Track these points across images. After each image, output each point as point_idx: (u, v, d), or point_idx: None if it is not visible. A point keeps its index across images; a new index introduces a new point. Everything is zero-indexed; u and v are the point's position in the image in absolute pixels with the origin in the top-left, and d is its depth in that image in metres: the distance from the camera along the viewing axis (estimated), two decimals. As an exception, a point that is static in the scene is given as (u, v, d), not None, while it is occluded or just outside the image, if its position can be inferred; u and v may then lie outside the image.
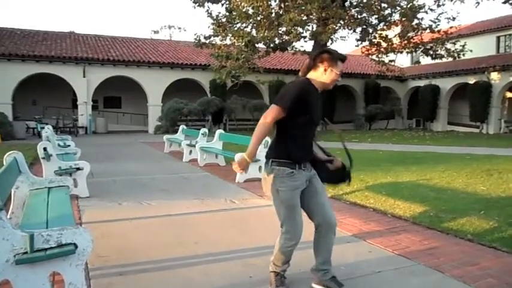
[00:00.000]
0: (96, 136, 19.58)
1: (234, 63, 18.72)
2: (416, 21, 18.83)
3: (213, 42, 19.80)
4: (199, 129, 10.76)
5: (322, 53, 2.76)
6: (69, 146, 9.28)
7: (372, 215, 4.95)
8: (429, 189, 6.41)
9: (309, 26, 18.49)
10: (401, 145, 14.56)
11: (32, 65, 19.71)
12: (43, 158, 5.86)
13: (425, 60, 22.89)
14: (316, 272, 2.91)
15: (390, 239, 3.97)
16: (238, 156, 7.18)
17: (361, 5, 18.56)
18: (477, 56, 23.63)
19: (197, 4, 19.12)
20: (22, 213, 3.55)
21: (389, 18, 19.16)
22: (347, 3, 18.73)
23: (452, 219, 4.61)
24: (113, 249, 3.64)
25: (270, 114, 2.64)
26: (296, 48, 19.69)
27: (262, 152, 7.49)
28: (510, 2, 18.41)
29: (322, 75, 2.73)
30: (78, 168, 5.88)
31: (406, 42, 19.52)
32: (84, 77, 20.75)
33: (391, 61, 21.13)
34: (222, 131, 9.86)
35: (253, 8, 17.80)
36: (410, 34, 19.20)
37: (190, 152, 9.96)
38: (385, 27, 19.64)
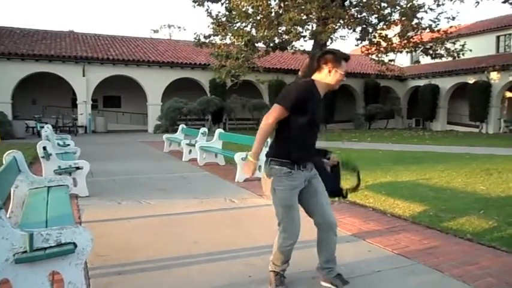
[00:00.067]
0: (96, 135, 19.58)
1: (234, 62, 18.71)
2: (416, 20, 18.82)
3: (213, 42, 19.78)
4: (199, 129, 10.75)
5: (325, 54, 2.76)
6: (68, 145, 9.27)
7: (371, 214, 4.95)
8: (428, 188, 6.42)
9: (308, 25, 18.47)
10: (400, 145, 14.56)
11: (31, 64, 19.70)
12: (42, 157, 5.86)
13: (425, 60, 22.90)
14: (321, 270, 2.94)
15: (390, 239, 3.97)
16: (237, 156, 7.22)
17: (361, 4, 18.54)
18: (477, 56, 23.64)
19: (197, 3, 19.10)
20: (21, 212, 3.55)
21: (389, 17, 19.14)
22: (347, 3, 18.72)
23: (451, 219, 4.62)
24: (112, 248, 3.64)
25: (272, 114, 2.66)
26: (296, 47, 19.67)
27: (262, 152, 7.51)
28: (510, 1, 18.40)
29: (326, 77, 2.73)
30: (77, 168, 5.88)
31: (405, 41, 19.51)
32: (83, 76, 20.74)
33: (390, 60, 21.13)
34: (222, 131, 9.85)
35: (253, 8, 17.79)
36: (410, 34, 19.19)
37: (190, 151, 9.96)
38: (384, 26, 19.63)
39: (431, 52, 20.06)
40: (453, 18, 19.00)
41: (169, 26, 53.91)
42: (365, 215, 4.91)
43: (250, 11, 18.00)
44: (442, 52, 19.91)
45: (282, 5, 18.24)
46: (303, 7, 17.00)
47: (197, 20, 42.79)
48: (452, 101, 25.50)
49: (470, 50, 20.16)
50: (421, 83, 26.24)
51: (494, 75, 22.15)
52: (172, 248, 3.69)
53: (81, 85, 20.71)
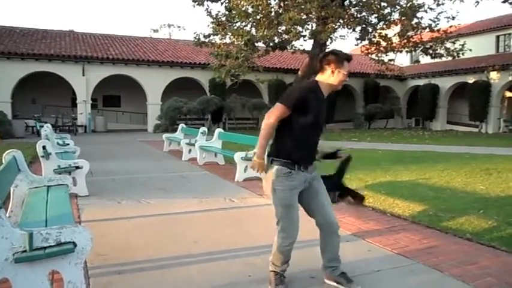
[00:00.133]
0: (96, 135, 19.57)
1: (234, 62, 18.70)
2: (415, 20, 18.79)
3: (213, 41, 19.76)
4: (199, 128, 10.75)
5: (328, 55, 2.78)
6: (68, 144, 9.27)
7: (371, 214, 4.96)
8: (428, 188, 6.42)
9: (308, 25, 18.45)
10: (400, 144, 14.57)
11: (31, 64, 19.69)
12: (42, 157, 5.86)
13: (425, 60, 22.90)
14: (325, 269, 2.96)
15: (389, 238, 3.97)
16: (237, 156, 7.21)
17: (361, 4, 18.52)
18: (476, 55, 23.63)
19: (196, 3, 19.07)
20: (21, 211, 3.55)
21: (388, 17, 19.12)
22: (346, 2, 18.70)
23: (451, 219, 4.62)
24: (112, 247, 3.63)
25: (274, 113, 2.67)
26: (295, 47, 19.65)
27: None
28: (509, 1, 18.40)
29: (329, 77, 2.74)
30: (77, 167, 5.88)
31: (405, 41, 19.49)
32: (83, 75, 20.73)
33: (390, 60, 21.12)
34: (222, 130, 9.85)
35: (252, 7, 17.77)
36: (410, 33, 19.17)
37: (190, 150, 9.96)
38: (384, 26, 19.61)
39: (431, 52, 20.05)
40: (453, 18, 19.00)
41: (169, 26, 53.94)
42: (365, 214, 4.91)
43: (250, 10, 17.98)
44: (442, 52, 19.90)
45: (282, 4, 18.22)
46: (302, 6, 16.98)
47: (197, 20, 42.85)
48: (452, 101, 25.51)
49: (470, 50, 20.16)
50: (421, 82, 26.24)
51: (494, 75, 22.15)
52: (172, 248, 3.69)
53: (80, 84, 20.70)
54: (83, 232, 2.40)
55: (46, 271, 2.37)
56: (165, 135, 12.46)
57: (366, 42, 20.17)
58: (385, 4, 18.25)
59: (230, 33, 18.72)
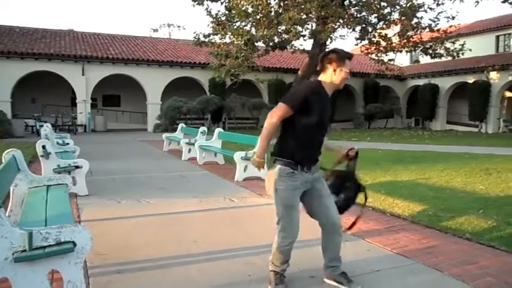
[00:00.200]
0: (95, 134, 19.57)
1: (233, 61, 18.69)
2: (415, 20, 18.79)
3: (213, 41, 19.75)
4: (198, 128, 10.75)
5: (328, 54, 2.79)
6: (68, 144, 9.27)
7: (370, 213, 4.95)
8: (428, 188, 6.42)
9: (308, 24, 18.44)
10: (400, 144, 14.57)
11: (30, 63, 19.68)
12: (42, 156, 5.86)
13: (425, 59, 22.89)
14: (326, 269, 2.96)
15: (389, 238, 3.97)
16: (237, 155, 7.21)
17: (361, 3, 18.52)
18: (476, 55, 23.64)
19: (196, 2, 19.06)
20: (21, 211, 3.55)
21: (388, 17, 19.11)
22: (346, 2, 18.69)
23: (450, 218, 4.62)
24: (111, 247, 3.63)
25: (277, 112, 2.67)
26: (295, 47, 19.64)
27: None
28: (509, 1, 18.41)
29: (332, 76, 2.75)
30: (77, 167, 5.87)
31: (405, 41, 19.49)
32: (83, 75, 20.72)
33: (390, 60, 21.12)
34: (221, 130, 9.85)
35: (252, 7, 17.76)
36: (410, 33, 19.17)
37: (190, 150, 9.96)
38: (384, 26, 19.60)
39: (430, 52, 20.05)
40: (453, 18, 19.00)
41: (168, 25, 53.99)
42: (364, 214, 4.89)
43: (249, 10, 17.97)
44: (442, 52, 19.90)
45: (282, 4, 18.21)
46: (302, 6, 16.97)
47: (197, 19, 42.78)
48: (452, 101, 25.51)
49: (470, 50, 20.16)
50: (421, 82, 26.25)
51: (493, 75, 22.16)
52: (172, 247, 3.69)
53: (80, 84, 20.70)
54: (83, 231, 2.40)
55: (46, 270, 2.37)
56: (164, 135, 12.45)
57: (366, 42, 20.17)
58: (385, 4, 18.25)
59: (230, 33, 18.71)
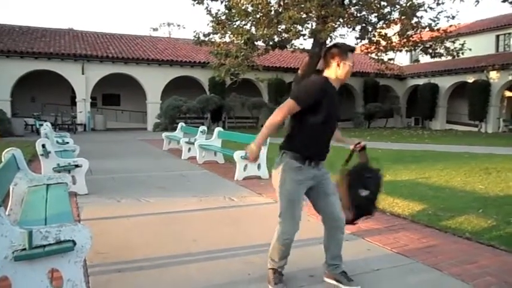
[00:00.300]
0: (95, 133, 19.56)
1: (233, 61, 18.69)
2: (415, 19, 18.79)
3: (212, 40, 19.75)
4: (198, 127, 10.75)
5: (331, 49, 2.81)
6: (67, 143, 9.27)
7: (370, 213, 4.95)
8: (428, 187, 6.42)
9: (308, 24, 18.45)
10: (400, 143, 14.57)
11: (30, 62, 19.66)
12: (42, 155, 5.85)
13: (425, 59, 22.90)
14: (327, 266, 2.96)
15: (389, 237, 3.97)
16: (237, 155, 7.22)
17: (361, 3, 18.51)
18: (476, 55, 23.64)
19: (196, 1, 19.05)
20: (20, 210, 3.54)
21: (388, 16, 19.12)
22: (346, 1, 18.69)
23: (450, 218, 4.62)
24: (111, 246, 3.63)
25: (285, 108, 2.68)
26: (295, 46, 19.64)
27: (262, 151, 7.50)
28: (509, 1, 18.41)
29: (336, 71, 2.76)
30: (76, 165, 5.87)
31: (405, 40, 19.49)
32: (82, 74, 20.71)
33: (390, 59, 21.12)
34: (221, 129, 9.85)
35: (252, 6, 17.75)
36: (410, 32, 19.17)
37: (189, 149, 9.96)
38: (384, 25, 19.61)
39: (430, 51, 20.06)
40: (453, 17, 19.00)
41: (168, 24, 54.05)
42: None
43: (249, 9, 17.97)
44: (442, 51, 19.91)
45: (282, 3, 18.20)
46: (302, 5, 16.97)
47: (197, 18, 42.75)
48: (452, 100, 25.51)
49: (470, 49, 20.17)
50: (421, 82, 26.24)
51: (493, 75, 22.16)
52: (172, 246, 3.69)
53: (80, 83, 20.69)
54: (83, 230, 2.39)
55: (45, 269, 2.37)
56: (164, 134, 12.45)
57: (366, 41, 20.17)
58: (385, 3, 18.25)
59: (230, 32, 18.71)
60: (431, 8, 18.92)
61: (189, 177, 7.44)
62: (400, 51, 20.29)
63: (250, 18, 18.28)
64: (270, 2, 17.94)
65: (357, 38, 20.01)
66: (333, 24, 17.21)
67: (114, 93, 24.81)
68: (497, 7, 74.53)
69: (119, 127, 23.30)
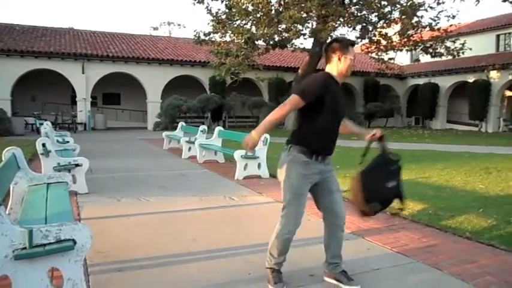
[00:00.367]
0: (95, 132, 19.56)
1: (234, 60, 18.69)
2: (416, 19, 18.78)
3: (213, 39, 19.76)
4: (199, 126, 10.75)
5: (332, 44, 2.83)
6: (68, 142, 9.27)
7: (370, 212, 4.95)
8: (428, 187, 6.42)
9: (308, 23, 18.44)
10: (400, 143, 14.53)
11: (30, 61, 19.67)
12: (42, 154, 5.85)
13: (425, 58, 22.89)
14: (327, 265, 2.96)
15: (389, 237, 3.97)
16: (237, 154, 7.21)
17: (361, 2, 18.50)
18: (477, 55, 23.63)
19: (197, 1, 19.04)
20: (21, 209, 3.54)
21: (389, 16, 19.11)
22: (347, 1, 18.68)
23: (450, 217, 4.62)
24: (111, 245, 3.63)
25: (289, 103, 2.68)
26: (296, 45, 19.64)
27: (261, 150, 7.51)
28: (510, 0, 18.39)
29: (338, 65, 2.77)
30: (77, 165, 5.87)
31: (405, 40, 19.49)
32: (83, 73, 20.72)
33: (390, 59, 21.11)
34: (221, 128, 9.85)
35: (253, 5, 17.75)
36: (410, 32, 19.17)
37: (190, 148, 9.96)
38: (384, 25, 19.60)
39: (431, 50, 20.05)
40: (453, 17, 18.98)
41: (169, 24, 53.94)
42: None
43: (250, 8, 17.96)
44: (442, 51, 19.90)
45: (282, 2, 18.20)
46: (303, 5, 16.97)
47: (197, 18, 42.75)
48: (452, 100, 25.51)
49: (470, 49, 20.15)
50: (421, 81, 26.23)
51: (494, 74, 22.15)
52: (172, 246, 3.69)
53: (80, 82, 20.69)
54: (83, 229, 2.39)
55: (46, 268, 2.37)
56: (164, 133, 12.46)
57: (366, 40, 20.17)
58: (386, 3, 18.24)
59: (230, 31, 18.71)
60: (431, 8, 18.92)
61: (190, 177, 7.44)
62: (401, 50, 20.28)
63: (250, 17, 18.28)
64: (270, 2, 17.94)
65: (357, 38, 19.99)
66: (334, 24, 17.21)
67: (115, 93, 24.82)
68: (498, 7, 74.47)
69: (119, 126, 23.31)
